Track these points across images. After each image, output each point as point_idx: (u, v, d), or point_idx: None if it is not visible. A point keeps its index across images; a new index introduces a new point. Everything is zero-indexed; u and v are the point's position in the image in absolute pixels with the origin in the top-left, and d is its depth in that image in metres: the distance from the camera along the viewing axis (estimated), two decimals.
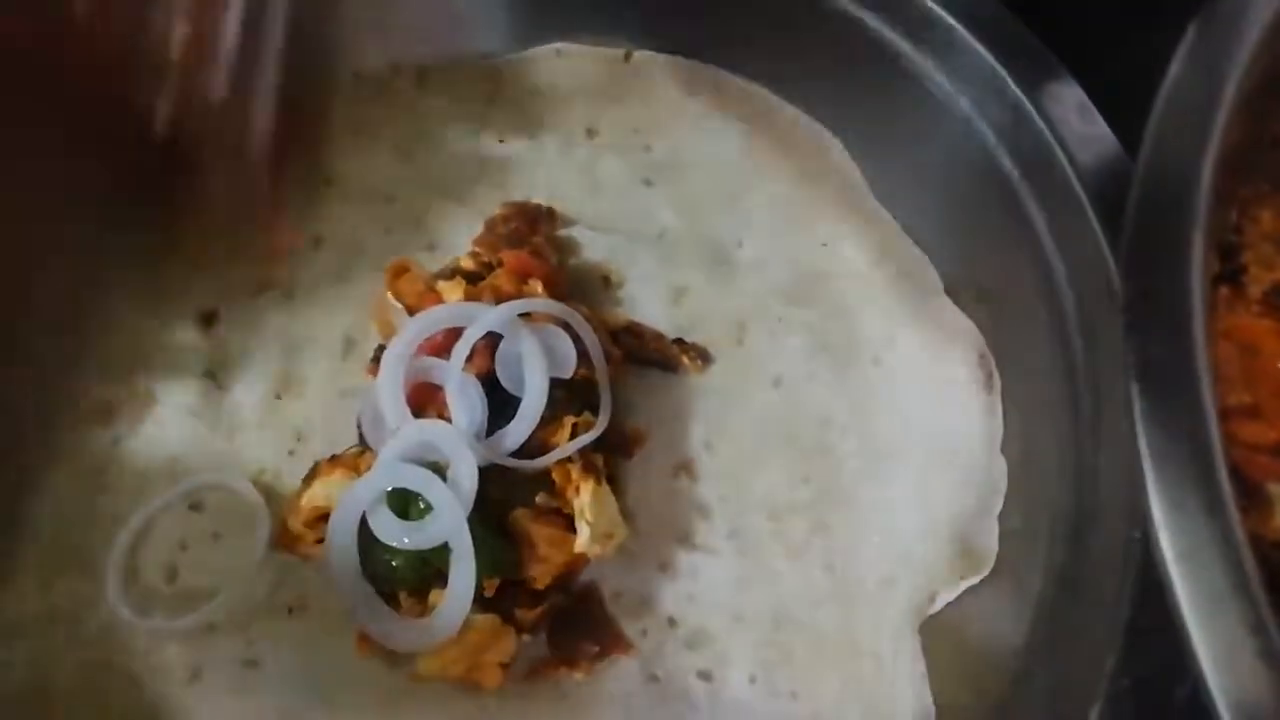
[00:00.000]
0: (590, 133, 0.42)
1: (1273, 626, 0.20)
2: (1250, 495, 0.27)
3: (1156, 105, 0.26)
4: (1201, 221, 0.24)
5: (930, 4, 0.34)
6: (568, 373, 0.34)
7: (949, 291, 0.34)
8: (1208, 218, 0.24)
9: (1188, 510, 0.21)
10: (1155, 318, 0.23)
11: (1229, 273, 0.27)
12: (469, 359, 0.33)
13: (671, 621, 0.33)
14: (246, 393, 0.37)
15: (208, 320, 0.38)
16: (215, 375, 0.37)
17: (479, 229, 0.39)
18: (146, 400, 0.36)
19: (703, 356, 0.37)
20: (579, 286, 0.39)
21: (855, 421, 0.35)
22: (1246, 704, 0.19)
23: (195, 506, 0.35)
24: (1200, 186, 0.24)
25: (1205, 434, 0.22)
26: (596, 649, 0.33)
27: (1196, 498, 0.21)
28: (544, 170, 0.41)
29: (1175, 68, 0.27)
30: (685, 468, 0.35)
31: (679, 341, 0.37)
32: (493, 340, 0.33)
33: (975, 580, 0.30)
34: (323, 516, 0.33)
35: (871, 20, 0.35)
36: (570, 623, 0.33)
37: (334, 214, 0.41)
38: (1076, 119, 0.31)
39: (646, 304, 0.38)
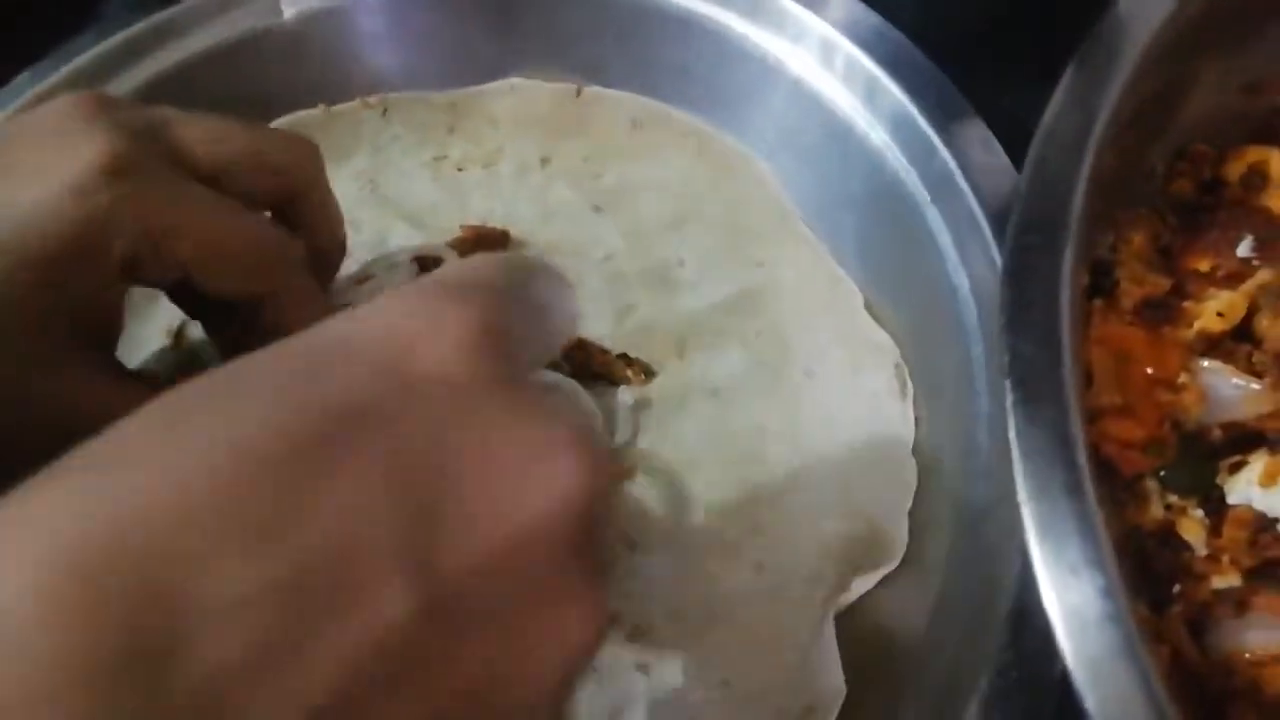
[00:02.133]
0: (544, 161, 0.45)
1: (1121, 594, 0.22)
2: (1129, 489, 0.29)
3: (1036, 136, 0.29)
4: (1073, 240, 0.27)
5: (855, 50, 0.38)
6: None
7: (868, 307, 0.37)
8: (1079, 237, 0.27)
9: (1050, 492, 0.23)
10: (1028, 322, 0.26)
11: (1105, 287, 0.30)
12: None
13: (612, 618, 0.36)
14: None
15: (176, 336, 0.40)
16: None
17: (440, 254, 0.41)
18: None
19: (645, 371, 0.39)
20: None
21: (787, 429, 0.38)
22: (1094, 661, 0.22)
23: None
24: (1072, 209, 0.27)
25: (1068, 424, 0.24)
26: None
27: (1058, 480, 0.24)
28: (500, 197, 0.44)
29: (1054, 102, 0.30)
30: (628, 475, 0.38)
31: (623, 357, 0.39)
32: None
33: (886, 571, 0.32)
34: None
35: (800, 64, 0.39)
36: None
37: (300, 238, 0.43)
38: (980, 151, 0.34)
39: (594, 321, 0.41)
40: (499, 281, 0.19)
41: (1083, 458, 0.24)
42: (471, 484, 0.17)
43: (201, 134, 0.29)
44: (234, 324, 0.31)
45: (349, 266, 0.42)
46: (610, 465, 0.19)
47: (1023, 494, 0.24)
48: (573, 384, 0.37)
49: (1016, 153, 0.34)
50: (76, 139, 0.26)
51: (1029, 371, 0.25)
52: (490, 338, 0.18)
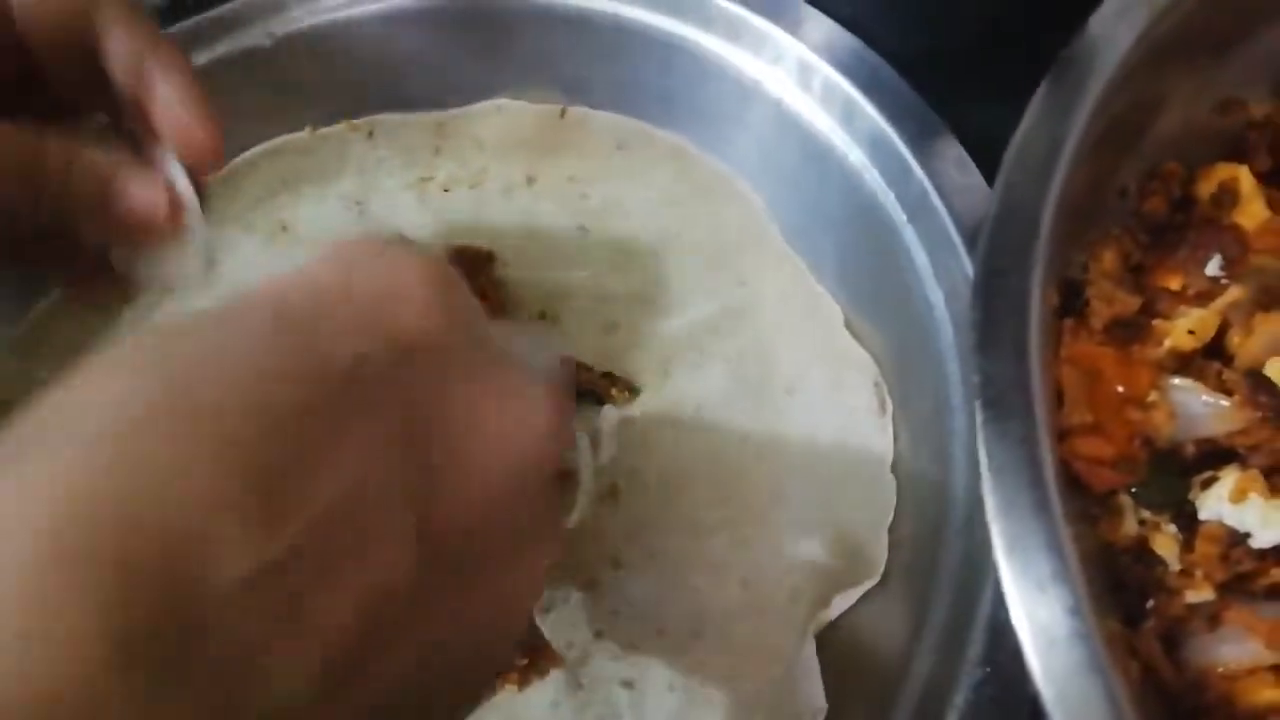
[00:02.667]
0: (530, 181, 0.45)
1: (1088, 611, 0.23)
2: (1102, 505, 0.30)
3: (1005, 158, 0.30)
4: (1041, 261, 0.27)
5: (832, 73, 0.38)
6: None
7: (847, 325, 0.37)
8: (1048, 258, 0.28)
9: (1018, 510, 0.24)
10: (997, 342, 0.26)
11: (1075, 306, 0.30)
12: None
13: (598, 635, 0.36)
14: None
15: None
16: None
17: None
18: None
19: (629, 389, 0.40)
20: (517, 325, 0.41)
21: (769, 446, 0.38)
22: (1061, 678, 0.22)
23: None
24: (1040, 231, 0.28)
25: (1036, 443, 0.25)
26: (526, 661, 0.35)
27: (1026, 499, 0.24)
28: (486, 217, 0.44)
29: (1024, 123, 0.30)
30: (612, 492, 0.38)
31: (608, 375, 0.40)
32: None
33: (867, 588, 0.32)
34: None
35: (779, 86, 0.39)
36: None
37: (289, 258, 0.44)
38: (955, 171, 0.35)
39: (580, 339, 0.41)
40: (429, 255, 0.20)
41: (1050, 476, 0.24)
42: (461, 436, 0.18)
43: None
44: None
45: None
46: (567, 406, 0.21)
47: (991, 512, 0.24)
48: (538, 327, 0.37)
49: (993, 170, 0.34)
50: None
51: (998, 391, 0.25)
52: (455, 292, 0.19)
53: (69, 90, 0.27)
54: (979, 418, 0.25)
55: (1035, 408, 0.25)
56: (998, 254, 0.27)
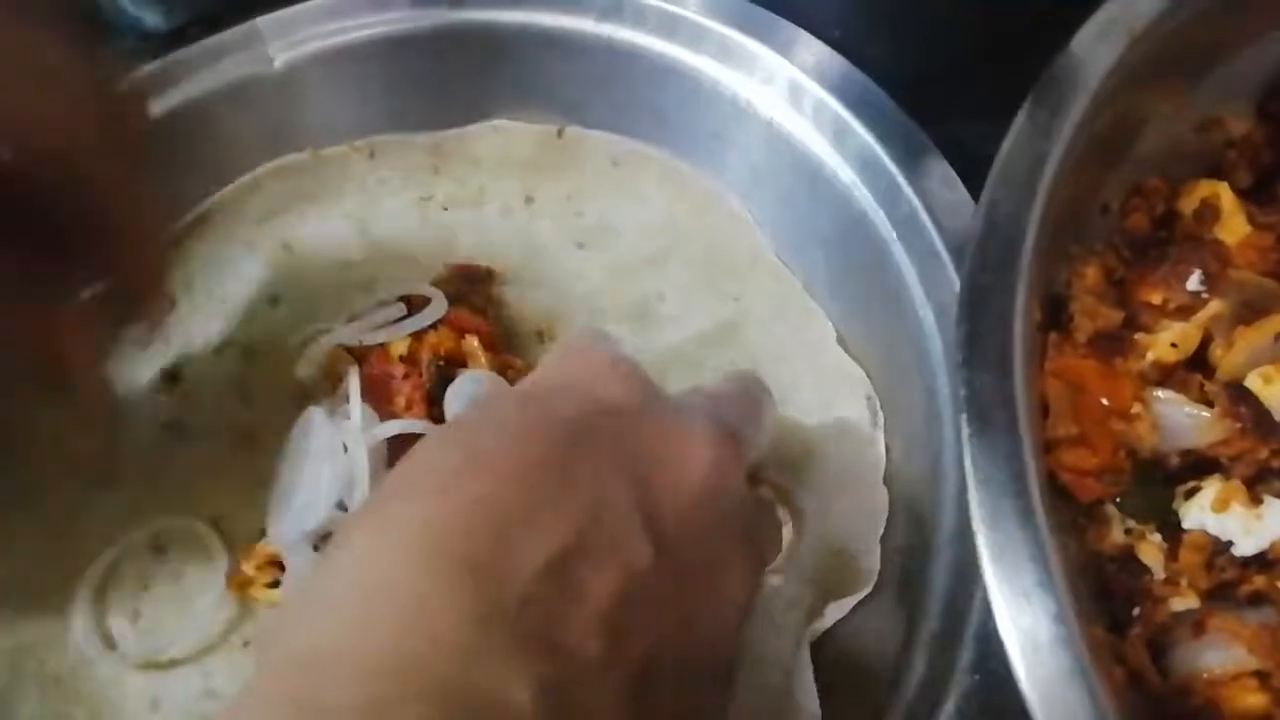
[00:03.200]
0: (528, 200, 0.46)
1: (1073, 619, 0.23)
2: (1089, 514, 0.30)
3: (990, 177, 0.30)
4: (1025, 277, 0.28)
5: (823, 93, 0.39)
6: None
7: (839, 339, 0.38)
8: (1031, 273, 0.29)
9: (1003, 520, 0.25)
10: (983, 357, 0.27)
11: (1060, 320, 0.31)
12: (409, 408, 0.36)
13: None
14: (207, 443, 0.40)
15: (171, 377, 0.41)
16: (177, 426, 0.40)
17: (425, 293, 0.42)
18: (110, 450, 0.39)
19: None
20: (515, 341, 0.42)
21: (766, 458, 0.39)
22: (1046, 683, 0.23)
23: (158, 550, 0.38)
24: (1024, 248, 0.29)
25: (1021, 455, 0.25)
26: None
27: (1011, 509, 0.25)
28: (485, 235, 0.45)
29: (1007, 143, 0.31)
30: None
31: None
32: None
33: (860, 597, 0.33)
34: (275, 562, 0.36)
35: (770, 106, 0.40)
36: None
37: (291, 277, 0.44)
38: (942, 189, 0.36)
39: None
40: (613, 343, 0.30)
41: (1035, 488, 0.25)
42: (661, 462, 0.25)
43: None
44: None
45: (339, 303, 0.43)
46: (727, 441, 0.27)
47: (977, 522, 0.25)
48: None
49: (980, 186, 0.35)
50: None
51: (984, 405, 0.26)
52: (632, 373, 0.27)
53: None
54: (965, 431, 0.26)
55: (1020, 421, 0.26)
56: (982, 271, 0.28)
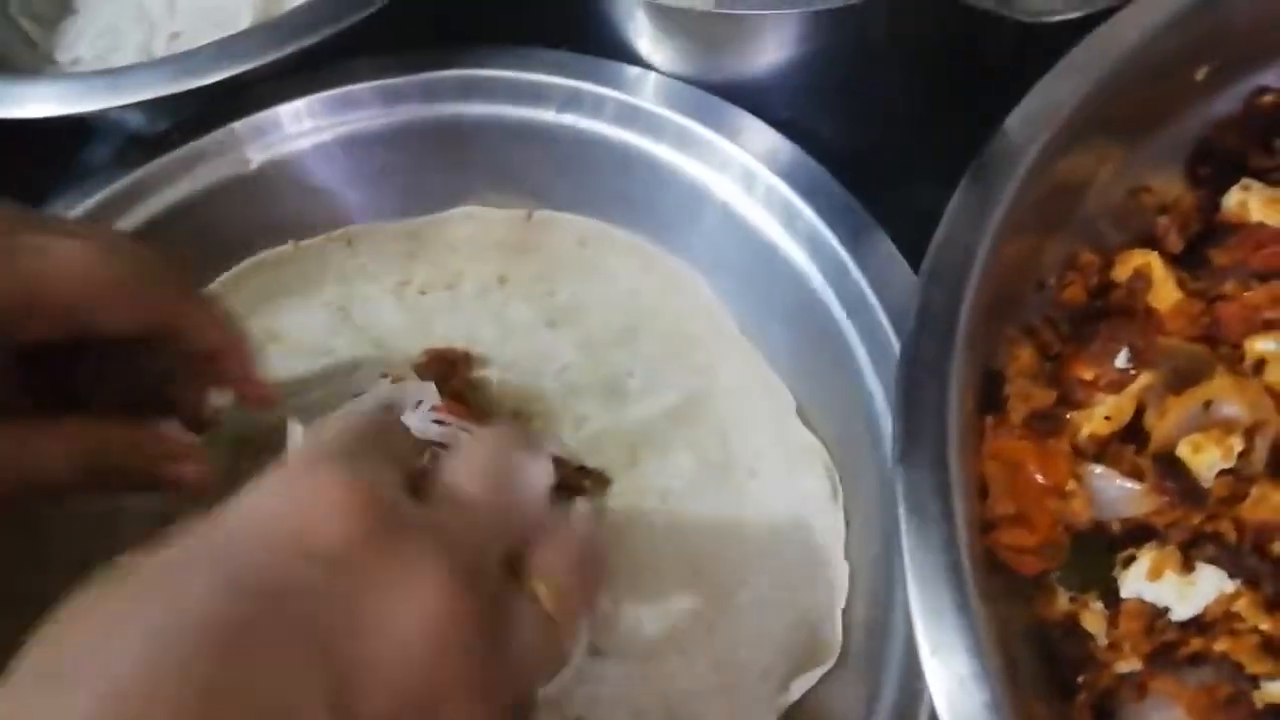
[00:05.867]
0: (502, 280, 0.48)
1: (1008, 705, 0.25)
2: (1034, 585, 0.32)
3: (923, 267, 0.32)
4: (958, 368, 0.30)
5: (773, 179, 0.41)
6: None
7: (800, 412, 0.40)
8: (965, 362, 0.30)
9: (940, 610, 0.26)
10: (919, 450, 0.28)
11: (995, 402, 0.33)
12: None
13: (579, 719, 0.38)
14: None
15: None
16: (166, 519, 0.42)
17: (407, 376, 0.44)
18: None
19: (602, 480, 0.42)
20: (494, 421, 0.44)
21: (733, 530, 0.40)
22: None
23: None
24: (957, 338, 0.30)
25: (957, 547, 0.27)
26: None
27: (948, 600, 0.26)
28: (462, 317, 0.47)
29: (943, 225, 0.33)
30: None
31: (581, 468, 0.42)
32: None
33: (823, 671, 0.34)
34: None
35: (725, 191, 0.42)
36: None
37: (277, 366, 0.46)
38: (887, 268, 0.37)
39: (553, 434, 0.44)
40: (358, 436, 0.25)
41: (969, 579, 0.27)
42: (372, 633, 0.21)
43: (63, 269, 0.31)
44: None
45: (324, 391, 0.45)
46: (478, 574, 0.23)
47: (916, 612, 0.26)
48: (521, 428, 0.40)
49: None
50: None
51: (919, 497, 0.28)
52: (361, 500, 0.23)
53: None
54: (902, 525, 0.27)
55: (955, 511, 0.28)
56: (915, 365, 0.30)
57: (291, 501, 0.22)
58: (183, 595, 0.20)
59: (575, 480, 0.42)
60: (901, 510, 0.28)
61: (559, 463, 0.42)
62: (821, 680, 0.35)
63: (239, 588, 0.20)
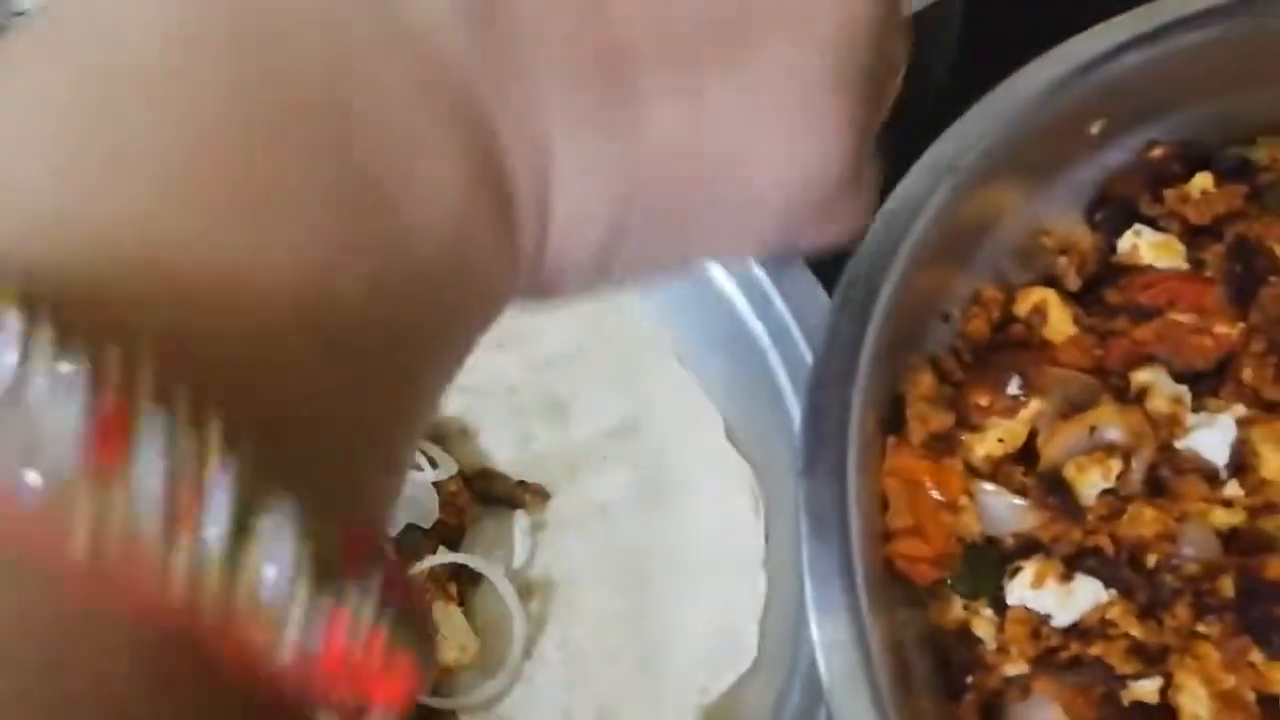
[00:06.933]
0: None
1: (889, 700, 0.28)
2: (931, 593, 0.35)
3: (837, 290, 0.35)
4: (861, 392, 0.33)
5: None
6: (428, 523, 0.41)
7: (729, 434, 0.43)
8: (867, 387, 0.33)
9: (836, 612, 0.29)
10: (821, 465, 0.31)
11: (897, 424, 0.35)
12: None
13: None
14: None
15: None
16: None
17: None
18: None
19: (541, 494, 0.44)
20: (442, 438, 0.46)
21: (665, 543, 0.43)
22: None
23: None
24: (860, 365, 0.33)
25: (851, 554, 0.30)
26: None
27: (842, 601, 0.29)
28: None
29: (856, 256, 0.36)
30: (525, 590, 0.42)
31: (521, 483, 0.44)
32: None
33: (740, 673, 0.37)
34: None
35: None
36: None
37: None
38: (809, 300, 0.40)
39: (496, 450, 0.46)
40: None
41: (863, 587, 0.29)
42: None
43: None
44: None
45: None
46: None
47: (811, 612, 0.29)
48: None
49: None
50: None
51: (819, 509, 0.30)
52: None
53: None
54: (803, 531, 0.30)
55: (851, 520, 0.30)
56: (822, 388, 0.33)
57: None
58: None
59: (515, 494, 0.44)
60: (802, 518, 0.30)
61: (498, 478, 0.45)
62: (738, 681, 0.37)
63: None
